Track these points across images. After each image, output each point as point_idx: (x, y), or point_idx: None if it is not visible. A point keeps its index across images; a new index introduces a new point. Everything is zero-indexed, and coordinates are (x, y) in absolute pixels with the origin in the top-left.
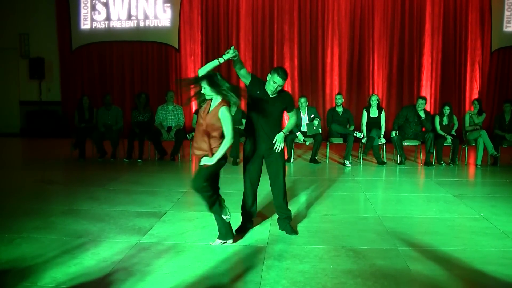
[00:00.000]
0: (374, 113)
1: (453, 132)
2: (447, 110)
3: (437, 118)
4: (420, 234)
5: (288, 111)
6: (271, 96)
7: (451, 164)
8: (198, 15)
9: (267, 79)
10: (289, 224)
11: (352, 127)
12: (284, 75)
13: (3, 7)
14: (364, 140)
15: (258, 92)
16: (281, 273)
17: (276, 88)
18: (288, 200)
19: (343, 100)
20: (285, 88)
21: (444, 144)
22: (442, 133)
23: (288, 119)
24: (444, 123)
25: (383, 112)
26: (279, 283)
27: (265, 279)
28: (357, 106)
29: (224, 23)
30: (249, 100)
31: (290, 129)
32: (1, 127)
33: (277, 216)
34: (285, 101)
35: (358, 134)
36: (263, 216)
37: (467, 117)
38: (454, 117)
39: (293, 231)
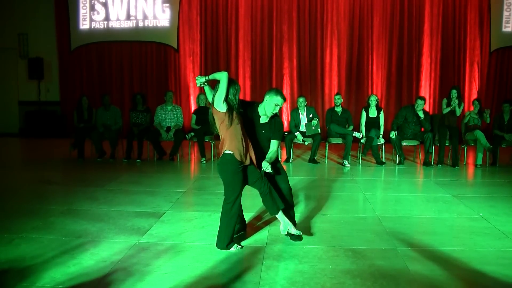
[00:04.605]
0: (373, 113)
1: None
2: (454, 93)
3: (444, 102)
4: (419, 234)
5: (273, 138)
6: (261, 122)
7: (457, 167)
8: (197, 15)
9: (265, 101)
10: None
11: (351, 127)
12: (283, 95)
13: (2, 7)
14: (363, 140)
15: (246, 114)
16: (280, 273)
17: (275, 110)
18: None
19: (342, 100)
20: (285, 88)
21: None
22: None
23: (270, 147)
24: (452, 106)
25: (382, 112)
26: (278, 283)
27: (264, 279)
28: (356, 106)
29: (223, 23)
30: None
31: (272, 158)
32: (0, 127)
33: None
34: (274, 128)
35: (357, 134)
36: (262, 217)
37: (467, 114)
38: (462, 104)
39: (298, 237)
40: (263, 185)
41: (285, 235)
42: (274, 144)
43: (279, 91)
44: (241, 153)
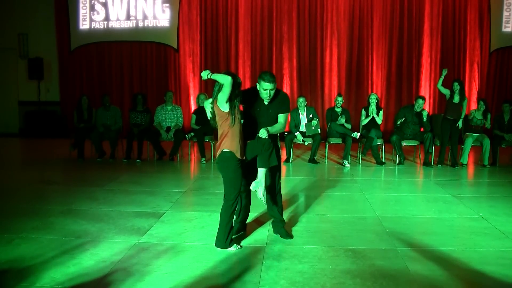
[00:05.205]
0: (373, 112)
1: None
2: (456, 86)
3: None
4: (419, 234)
5: (279, 112)
6: (266, 103)
7: (457, 167)
8: (197, 15)
9: (258, 88)
10: (283, 227)
11: (350, 126)
12: (271, 77)
13: (2, 7)
14: (355, 135)
15: (250, 101)
16: (280, 273)
17: (270, 94)
18: (287, 201)
19: (343, 102)
20: (285, 89)
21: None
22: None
23: (277, 122)
24: (454, 101)
25: (381, 112)
26: (278, 283)
27: (264, 279)
28: (356, 106)
29: (223, 23)
30: (244, 106)
31: (274, 130)
32: (0, 127)
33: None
34: (279, 103)
35: (355, 135)
36: (262, 217)
37: (472, 113)
38: (465, 99)
39: (288, 235)
40: (263, 145)
41: (279, 232)
42: (281, 117)
43: (264, 75)
44: (240, 151)
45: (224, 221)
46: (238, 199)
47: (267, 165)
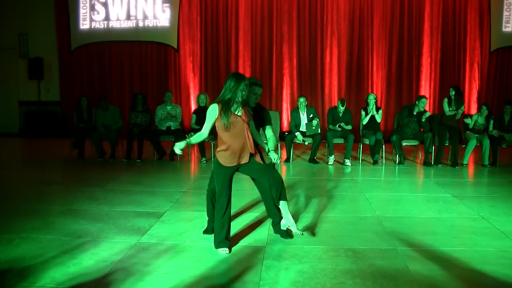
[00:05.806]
0: (372, 110)
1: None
2: (452, 92)
3: (445, 101)
4: (419, 234)
5: (266, 124)
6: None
7: (457, 167)
8: (197, 15)
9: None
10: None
11: (350, 127)
12: (259, 81)
13: (2, 7)
14: (331, 160)
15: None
16: (280, 273)
17: (257, 99)
18: (287, 201)
19: (344, 107)
20: (285, 88)
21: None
22: (451, 113)
23: (266, 134)
24: (452, 108)
25: (380, 111)
26: (278, 283)
27: (264, 279)
28: (356, 106)
29: (223, 23)
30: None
31: (275, 145)
32: (0, 127)
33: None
34: (260, 117)
35: (330, 159)
36: (262, 217)
37: (474, 118)
38: (463, 107)
39: (288, 234)
40: (274, 174)
41: (279, 232)
42: (269, 130)
43: (255, 80)
44: (227, 159)
45: (215, 219)
46: (227, 200)
47: (279, 201)
